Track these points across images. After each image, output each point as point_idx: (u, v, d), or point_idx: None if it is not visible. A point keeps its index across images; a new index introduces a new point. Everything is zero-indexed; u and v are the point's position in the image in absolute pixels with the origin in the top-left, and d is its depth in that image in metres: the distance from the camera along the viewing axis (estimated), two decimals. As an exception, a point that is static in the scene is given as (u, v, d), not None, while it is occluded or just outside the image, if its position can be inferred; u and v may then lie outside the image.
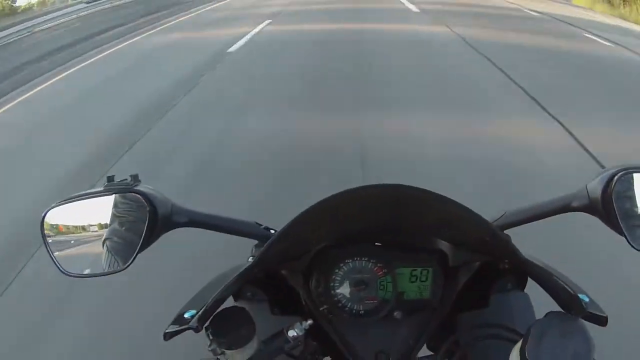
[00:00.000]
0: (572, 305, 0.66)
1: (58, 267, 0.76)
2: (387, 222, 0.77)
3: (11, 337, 2.35)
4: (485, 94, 5.60)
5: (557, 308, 0.70)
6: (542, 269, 0.67)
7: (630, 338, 2.00)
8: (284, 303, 0.84)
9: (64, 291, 2.58)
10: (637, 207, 0.75)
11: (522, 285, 0.87)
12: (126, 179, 0.76)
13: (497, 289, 0.85)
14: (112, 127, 5.00)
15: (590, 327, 0.64)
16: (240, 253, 0.85)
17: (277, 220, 0.77)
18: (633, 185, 0.75)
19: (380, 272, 0.79)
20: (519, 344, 0.64)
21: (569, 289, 0.65)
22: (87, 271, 0.80)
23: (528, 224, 0.81)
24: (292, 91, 5.79)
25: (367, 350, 0.78)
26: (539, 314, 0.71)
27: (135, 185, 0.75)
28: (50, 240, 0.77)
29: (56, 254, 0.77)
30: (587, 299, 0.66)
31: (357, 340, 0.79)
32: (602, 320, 0.66)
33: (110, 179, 0.75)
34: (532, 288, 0.87)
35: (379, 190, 0.66)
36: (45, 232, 0.77)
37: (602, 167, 0.77)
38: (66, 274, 0.77)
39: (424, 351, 0.84)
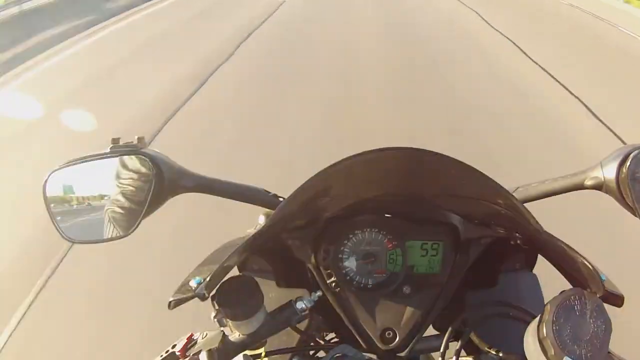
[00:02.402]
0: (590, 283, 0.65)
1: (60, 233, 0.74)
2: (400, 190, 0.75)
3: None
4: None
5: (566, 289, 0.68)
6: (560, 244, 0.65)
7: None
8: (291, 276, 0.82)
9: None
10: None
11: (531, 265, 0.86)
12: (132, 142, 0.73)
13: (505, 269, 0.84)
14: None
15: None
16: (248, 221, 0.83)
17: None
18: None
19: (390, 245, 0.77)
20: (535, 321, 0.62)
21: (589, 265, 0.63)
22: (89, 237, 0.79)
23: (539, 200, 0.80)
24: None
25: (373, 327, 0.76)
26: (547, 295, 0.70)
27: (142, 148, 0.72)
28: (52, 205, 0.75)
29: (58, 218, 0.75)
30: (604, 278, 0.65)
31: (364, 316, 0.77)
32: (618, 301, 0.65)
33: (115, 140, 0.73)
34: (540, 269, 0.86)
35: (397, 153, 0.64)
36: (47, 196, 0.75)
37: None
38: (68, 240, 0.75)
39: (430, 332, 0.83)
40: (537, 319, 0.62)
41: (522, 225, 0.69)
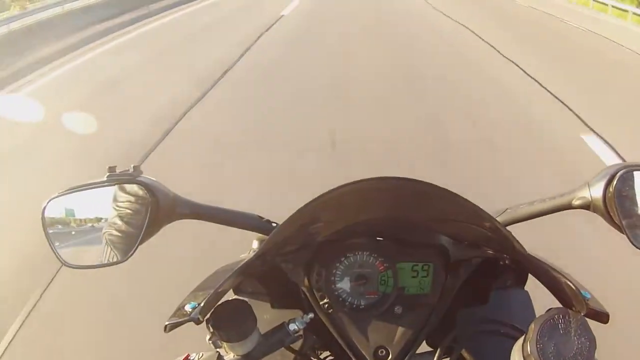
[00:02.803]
0: (573, 302, 0.66)
1: (58, 258, 0.76)
2: (390, 214, 0.77)
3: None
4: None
5: (557, 305, 0.70)
6: (544, 265, 0.66)
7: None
8: (284, 298, 0.84)
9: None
10: (638, 205, 0.75)
11: (522, 282, 0.87)
12: (127, 170, 0.75)
13: (496, 286, 0.85)
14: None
15: (591, 325, 0.64)
16: (242, 246, 0.85)
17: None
18: (634, 184, 0.75)
19: (382, 267, 0.79)
20: (520, 340, 0.64)
21: (572, 285, 0.65)
22: (87, 262, 0.80)
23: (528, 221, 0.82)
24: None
25: (366, 346, 0.78)
26: (539, 311, 0.71)
27: (137, 176, 0.74)
28: (50, 231, 0.77)
29: (57, 244, 0.77)
30: (588, 296, 0.66)
31: (356, 335, 0.78)
32: (603, 318, 0.66)
33: (112, 169, 0.75)
34: (532, 286, 0.87)
35: (385, 184, 0.66)
36: (46, 222, 0.76)
37: None
38: (66, 265, 0.77)
39: (424, 347, 0.84)
40: (523, 337, 0.63)
41: (508, 247, 0.71)
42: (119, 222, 0.76)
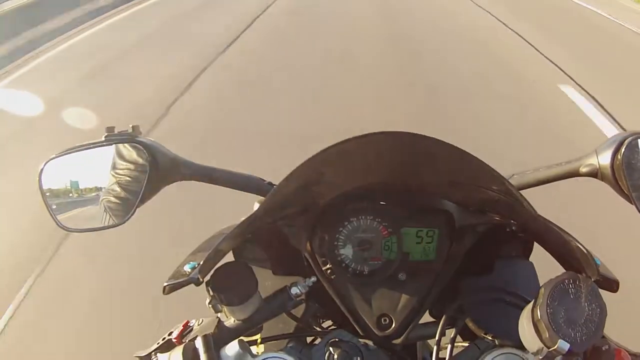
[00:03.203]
0: (584, 268, 0.64)
1: (55, 221, 0.75)
2: (394, 178, 0.75)
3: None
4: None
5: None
6: (556, 228, 0.65)
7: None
8: (286, 264, 0.82)
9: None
10: None
11: (527, 253, 0.86)
12: (126, 130, 0.73)
13: (501, 256, 0.84)
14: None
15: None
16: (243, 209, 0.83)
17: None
18: None
19: (385, 232, 0.77)
20: (529, 305, 0.62)
21: (583, 249, 0.63)
22: (84, 225, 0.79)
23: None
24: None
25: (370, 314, 0.77)
26: (543, 282, 0.69)
27: (136, 136, 0.73)
28: (48, 194, 0.76)
29: (54, 207, 0.75)
30: (599, 262, 0.65)
31: (359, 302, 0.77)
32: (613, 285, 0.65)
33: (110, 129, 0.73)
34: (537, 258, 0.86)
35: (391, 138, 0.63)
36: (43, 184, 0.75)
37: None
38: (63, 228, 0.75)
39: (427, 319, 0.83)
40: (532, 302, 0.62)
41: (517, 211, 0.69)
42: (118, 184, 0.74)
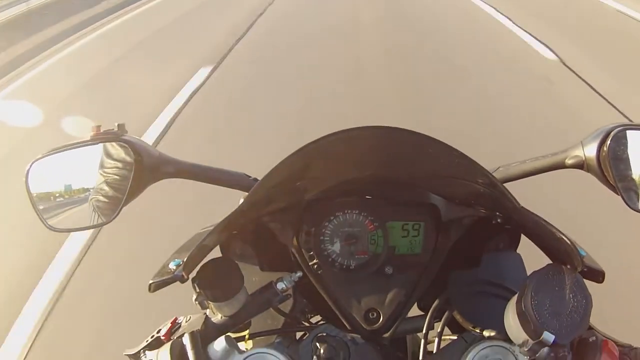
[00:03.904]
0: (569, 259, 0.65)
1: (42, 222, 0.75)
2: (380, 172, 0.75)
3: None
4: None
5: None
6: (539, 220, 0.65)
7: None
8: (273, 260, 0.83)
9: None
10: (632, 165, 0.73)
11: (514, 245, 0.86)
12: (112, 129, 0.73)
13: (488, 249, 0.84)
14: None
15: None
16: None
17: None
18: (629, 143, 0.73)
19: (371, 226, 0.77)
20: (514, 297, 0.62)
21: (568, 241, 0.63)
22: (71, 225, 0.79)
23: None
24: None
25: (357, 308, 0.77)
26: None
27: (122, 135, 0.73)
28: (34, 194, 0.76)
29: (41, 207, 0.75)
30: (584, 253, 0.65)
31: (347, 297, 0.77)
32: (599, 276, 0.65)
33: (97, 128, 0.73)
34: (524, 249, 0.86)
35: (376, 133, 0.64)
36: (30, 185, 0.75)
37: None
38: (50, 229, 0.75)
39: (415, 312, 0.84)
40: (517, 294, 0.62)
41: (502, 203, 0.69)
42: (104, 183, 0.75)
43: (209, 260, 0.68)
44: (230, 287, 0.67)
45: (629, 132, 0.73)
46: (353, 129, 0.60)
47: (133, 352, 0.72)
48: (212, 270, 0.67)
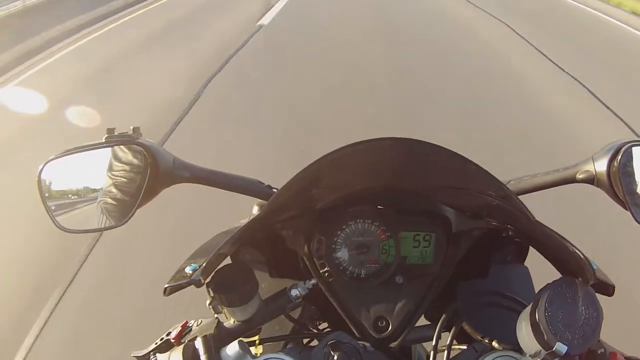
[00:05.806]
0: (581, 272, 0.65)
1: (54, 223, 0.75)
2: (393, 182, 0.76)
3: None
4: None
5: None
6: (553, 233, 0.65)
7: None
8: (284, 267, 0.83)
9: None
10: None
11: (522, 257, 0.87)
12: (127, 132, 0.74)
13: (496, 260, 0.84)
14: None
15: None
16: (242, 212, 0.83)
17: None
18: (634, 159, 0.74)
19: (383, 236, 0.78)
20: (528, 308, 0.63)
21: (580, 254, 0.64)
22: (84, 227, 0.79)
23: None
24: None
25: (367, 316, 0.77)
26: (538, 287, 0.70)
27: (137, 138, 0.73)
28: (47, 195, 0.75)
29: (53, 208, 0.75)
30: (595, 267, 0.65)
31: (357, 305, 0.77)
32: (609, 290, 0.66)
33: (110, 131, 0.73)
34: (532, 263, 0.87)
35: (390, 144, 0.64)
36: (42, 185, 0.75)
37: None
38: (62, 229, 0.75)
39: (423, 322, 0.84)
40: (530, 305, 0.63)
41: (514, 216, 0.70)
42: (117, 185, 0.74)
43: (224, 266, 0.68)
44: (246, 293, 0.67)
45: (634, 149, 0.74)
46: (370, 141, 0.61)
47: (141, 354, 0.72)
48: (227, 276, 0.67)
